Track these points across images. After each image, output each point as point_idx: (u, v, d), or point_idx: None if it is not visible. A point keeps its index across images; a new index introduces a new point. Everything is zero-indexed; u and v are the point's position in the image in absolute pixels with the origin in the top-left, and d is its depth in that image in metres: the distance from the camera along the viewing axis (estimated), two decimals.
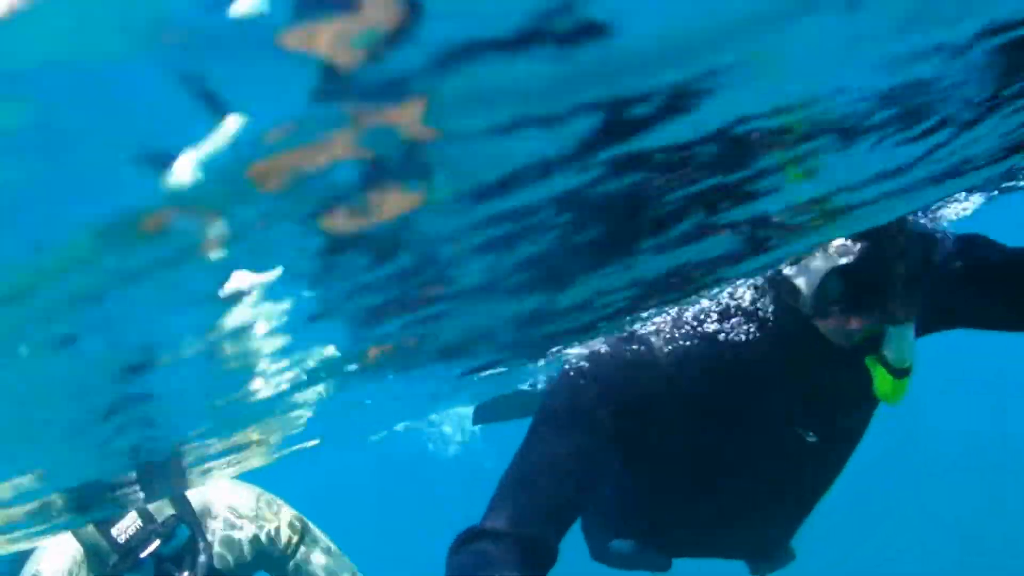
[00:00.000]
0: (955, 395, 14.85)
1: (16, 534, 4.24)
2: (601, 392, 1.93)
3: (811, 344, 1.84)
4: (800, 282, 1.78)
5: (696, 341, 1.96)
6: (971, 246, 2.09)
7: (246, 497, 3.78)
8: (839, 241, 1.75)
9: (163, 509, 3.29)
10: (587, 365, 1.97)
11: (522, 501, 1.82)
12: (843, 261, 1.73)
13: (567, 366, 1.99)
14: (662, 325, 2.02)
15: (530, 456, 1.89)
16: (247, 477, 4.38)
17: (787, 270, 1.84)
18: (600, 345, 2.03)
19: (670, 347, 1.98)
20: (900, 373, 1.77)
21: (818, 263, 1.75)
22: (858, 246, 1.72)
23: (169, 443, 3.05)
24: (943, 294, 2.04)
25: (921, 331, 2.03)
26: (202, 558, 3.30)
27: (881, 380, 1.77)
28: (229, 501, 3.71)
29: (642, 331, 2.02)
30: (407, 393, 3.27)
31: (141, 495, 3.37)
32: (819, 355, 1.86)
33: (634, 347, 1.99)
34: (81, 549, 3.34)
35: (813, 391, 1.96)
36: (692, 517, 2.30)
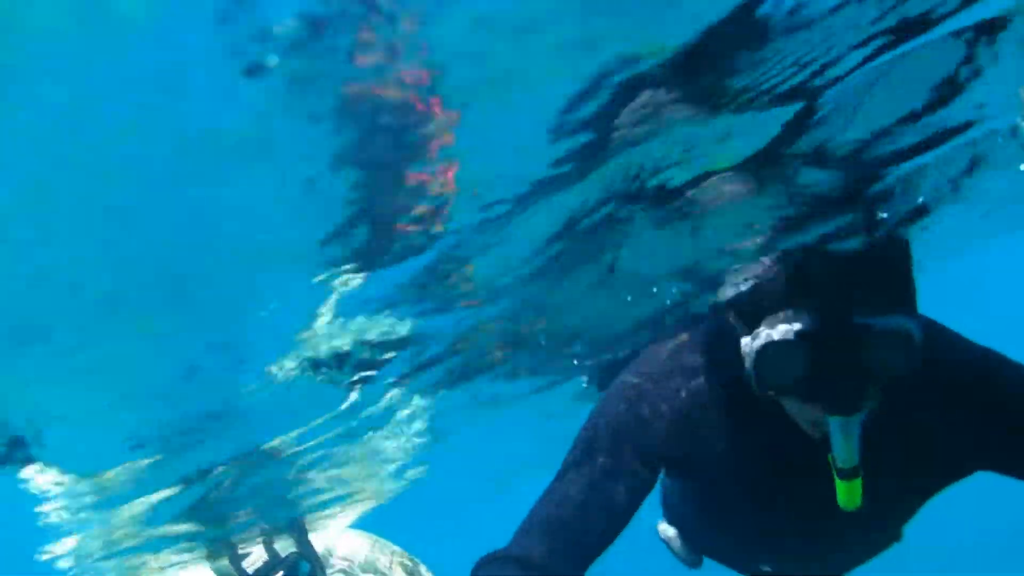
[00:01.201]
0: None
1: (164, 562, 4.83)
2: (644, 416, 1.84)
3: (776, 421, 1.68)
4: (744, 344, 1.59)
5: (723, 381, 1.81)
6: (987, 372, 1.75)
7: (360, 544, 4.14)
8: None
9: (288, 548, 3.71)
10: (630, 389, 1.88)
11: (557, 536, 1.76)
12: (791, 331, 1.51)
13: (608, 391, 1.93)
14: (695, 359, 1.89)
15: (569, 482, 1.82)
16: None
17: (733, 318, 1.66)
18: (641, 369, 1.93)
19: (702, 382, 1.85)
20: (845, 474, 1.57)
21: (763, 328, 1.55)
22: (815, 314, 1.51)
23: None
24: (959, 430, 1.74)
25: (947, 476, 1.86)
26: None
27: (837, 482, 1.58)
28: (345, 548, 4.08)
29: (684, 362, 1.89)
30: None
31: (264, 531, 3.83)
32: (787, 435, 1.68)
33: (674, 377, 1.87)
34: None
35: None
36: (725, 532, 2.20)
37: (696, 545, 2.59)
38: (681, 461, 1.88)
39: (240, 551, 3.70)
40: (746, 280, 1.74)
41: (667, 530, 2.73)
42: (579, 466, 1.82)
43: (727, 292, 1.80)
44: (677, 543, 2.72)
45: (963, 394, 1.73)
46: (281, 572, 3.59)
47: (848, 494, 1.56)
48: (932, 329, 1.74)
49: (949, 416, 1.73)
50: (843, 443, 1.53)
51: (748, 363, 1.56)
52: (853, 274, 1.55)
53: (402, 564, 4.17)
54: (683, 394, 1.83)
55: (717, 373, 1.82)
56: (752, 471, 1.85)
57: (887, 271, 1.58)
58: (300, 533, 3.97)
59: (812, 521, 1.84)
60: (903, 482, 1.84)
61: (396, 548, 4.22)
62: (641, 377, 1.88)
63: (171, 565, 5.42)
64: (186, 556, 5.15)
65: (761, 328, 1.55)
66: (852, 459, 1.54)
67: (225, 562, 3.67)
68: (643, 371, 1.90)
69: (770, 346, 1.52)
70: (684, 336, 1.94)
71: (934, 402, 1.73)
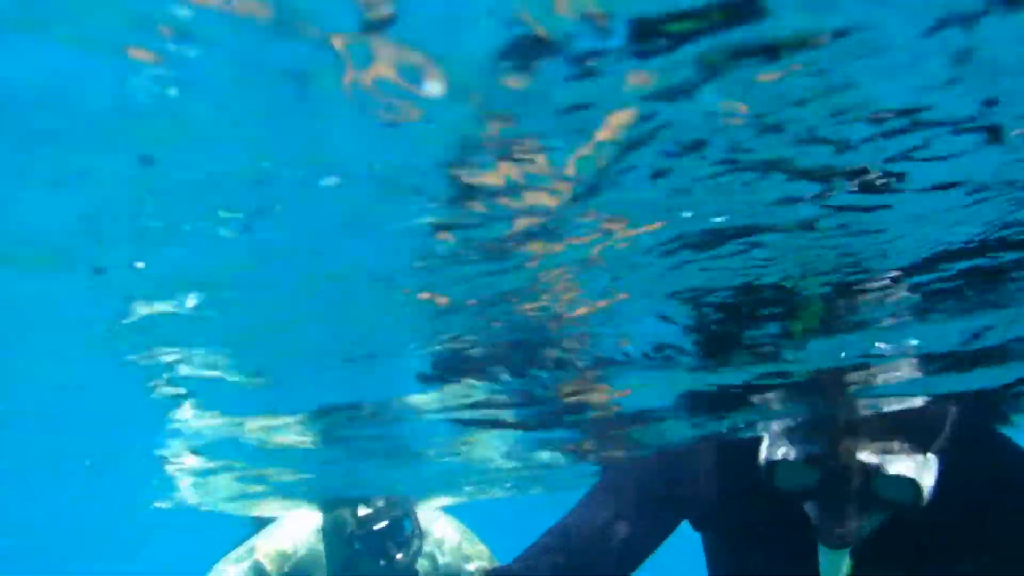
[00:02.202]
0: None
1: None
2: (673, 467, 1.92)
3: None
4: (762, 451, 1.73)
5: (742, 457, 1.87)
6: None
7: (452, 531, 4.64)
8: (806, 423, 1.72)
9: (397, 508, 4.27)
10: (661, 450, 1.97)
11: (566, 561, 1.78)
12: (793, 455, 1.66)
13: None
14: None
15: (590, 511, 1.86)
16: None
17: (770, 428, 1.77)
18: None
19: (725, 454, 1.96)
20: None
21: (780, 444, 1.69)
22: (827, 443, 1.64)
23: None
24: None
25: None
26: (415, 546, 4.20)
27: None
28: (439, 531, 4.59)
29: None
30: None
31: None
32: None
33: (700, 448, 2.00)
34: (321, 521, 4.37)
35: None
36: None
37: None
38: (702, 515, 1.96)
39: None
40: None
41: None
42: (603, 498, 1.87)
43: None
44: None
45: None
46: (386, 522, 4.15)
47: None
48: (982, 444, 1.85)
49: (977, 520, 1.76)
50: (828, 567, 1.65)
51: (761, 469, 1.71)
52: (880, 420, 1.69)
53: (480, 557, 4.62)
54: (707, 457, 1.95)
55: (737, 452, 1.91)
56: (759, 536, 1.92)
57: (916, 419, 1.70)
58: (407, 499, 4.54)
59: None
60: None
61: (480, 545, 4.69)
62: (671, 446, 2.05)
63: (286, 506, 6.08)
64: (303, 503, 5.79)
65: (779, 442, 1.69)
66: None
67: (343, 509, 4.26)
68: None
69: (778, 465, 1.67)
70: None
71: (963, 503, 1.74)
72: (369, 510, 4.20)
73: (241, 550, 4.30)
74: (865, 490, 1.60)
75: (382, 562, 4.18)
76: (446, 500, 5.46)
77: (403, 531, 4.24)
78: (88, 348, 2.33)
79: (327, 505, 4.50)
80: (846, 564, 1.64)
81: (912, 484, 1.59)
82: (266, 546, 4.27)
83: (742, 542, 1.98)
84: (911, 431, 1.66)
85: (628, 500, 1.86)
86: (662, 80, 1.08)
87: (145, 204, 1.47)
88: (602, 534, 1.81)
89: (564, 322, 1.98)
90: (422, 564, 4.44)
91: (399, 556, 4.17)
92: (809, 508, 1.68)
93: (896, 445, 1.62)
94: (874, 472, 1.59)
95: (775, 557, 1.91)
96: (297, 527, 4.39)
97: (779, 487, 1.68)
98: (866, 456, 1.60)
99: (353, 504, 4.23)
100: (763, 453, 1.70)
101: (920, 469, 1.60)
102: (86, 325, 2.12)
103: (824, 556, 1.64)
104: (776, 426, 1.79)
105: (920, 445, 1.63)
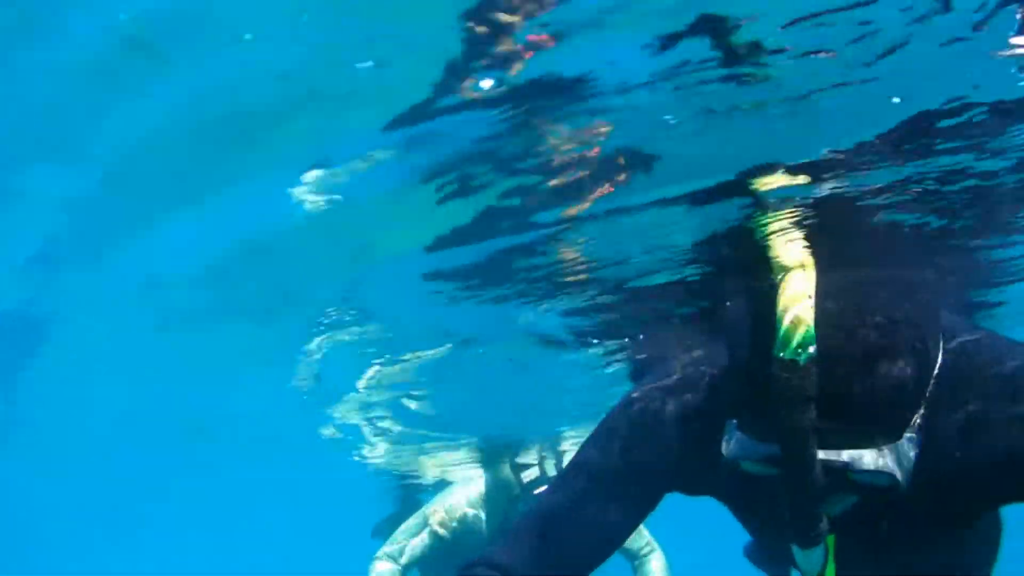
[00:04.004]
0: None
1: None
2: (651, 437, 1.78)
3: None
4: (724, 440, 1.56)
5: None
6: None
7: None
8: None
9: (552, 469, 4.77)
10: (637, 408, 1.82)
11: (546, 547, 1.73)
12: (757, 454, 1.50)
13: (617, 409, 1.87)
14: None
15: (567, 492, 1.78)
16: None
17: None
18: (651, 386, 1.86)
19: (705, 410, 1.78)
20: None
21: (734, 435, 1.54)
22: (787, 440, 1.44)
23: None
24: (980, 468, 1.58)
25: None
26: None
27: None
28: None
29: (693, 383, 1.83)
30: None
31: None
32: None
33: (684, 395, 1.81)
34: (487, 487, 4.89)
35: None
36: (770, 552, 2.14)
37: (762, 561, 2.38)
38: (685, 486, 1.85)
39: (519, 462, 4.85)
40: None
41: (748, 547, 2.55)
42: (578, 479, 1.79)
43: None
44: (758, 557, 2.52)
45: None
46: (545, 487, 4.57)
47: None
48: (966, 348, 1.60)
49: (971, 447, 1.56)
50: (803, 560, 1.58)
51: (724, 459, 1.55)
52: (844, 409, 1.43)
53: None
54: (683, 423, 1.78)
55: (710, 424, 1.71)
56: (750, 505, 1.85)
57: (877, 399, 1.43)
58: (558, 456, 4.98)
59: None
60: (910, 541, 1.76)
61: None
62: (650, 399, 1.82)
63: (453, 464, 6.69)
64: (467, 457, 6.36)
65: (739, 434, 1.52)
66: (814, 571, 1.59)
67: (506, 469, 4.79)
68: (654, 389, 1.83)
69: (741, 460, 1.52)
70: (698, 353, 1.89)
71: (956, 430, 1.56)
72: (532, 473, 4.73)
73: (417, 518, 4.87)
74: (838, 481, 1.45)
75: None
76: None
77: None
78: None
79: (490, 462, 5.01)
80: (823, 552, 1.56)
81: (886, 476, 1.43)
82: (439, 512, 4.80)
83: (739, 509, 1.92)
84: (883, 408, 1.44)
85: (601, 480, 1.76)
86: None
87: None
88: (577, 523, 1.74)
89: None
90: None
91: None
92: (778, 497, 1.54)
93: (865, 430, 1.44)
94: (841, 468, 1.44)
95: (769, 526, 1.84)
96: (466, 491, 4.93)
97: (741, 472, 1.56)
98: (827, 453, 1.43)
99: (515, 467, 4.80)
100: (723, 444, 1.56)
101: (896, 456, 1.44)
102: None
103: (798, 554, 1.56)
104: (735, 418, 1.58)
105: (896, 424, 1.45)
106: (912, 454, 1.45)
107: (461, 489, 4.98)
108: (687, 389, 1.80)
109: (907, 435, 1.45)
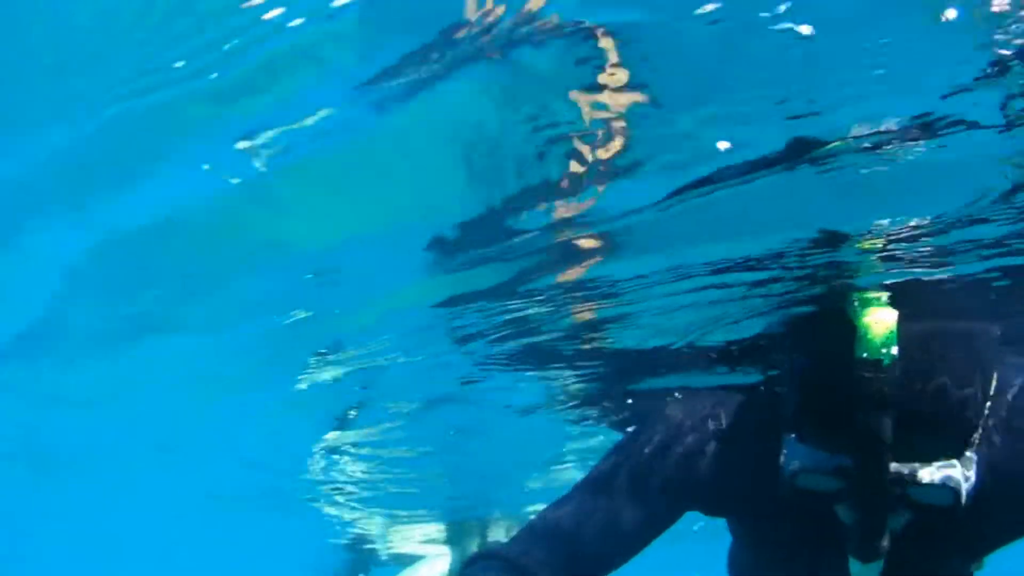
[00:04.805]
0: None
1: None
2: (678, 452, 1.77)
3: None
4: (783, 454, 1.56)
5: (759, 450, 1.72)
6: None
7: None
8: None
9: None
10: (669, 424, 1.82)
11: (558, 547, 1.73)
12: (829, 466, 1.49)
13: (646, 422, 1.87)
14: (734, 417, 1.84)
15: (587, 497, 1.77)
16: None
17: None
18: (682, 407, 1.87)
19: (738, 433, 1.81)
20: None
21: (800, 452, 1.52)
22: (858, 453, 1.46)
23: None
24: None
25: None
26: None
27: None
28: None
29: (723, 411, 1.84)
30: None
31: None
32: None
33: (713, 422, 1.82)
34: (452, 563, 4.73)
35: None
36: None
37: None
38: (709, 504, 1.85)
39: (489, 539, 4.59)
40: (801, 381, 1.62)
41: None
42: (601, 485, 1.78)
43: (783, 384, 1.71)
44: None
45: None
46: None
47: None
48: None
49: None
50: (860, 574, 1.56)
51: (781, 473, 1.55)
52: (910, 418, 1.44)
53: None
54: (718, 441, 1.78)
55: (753, 444, 1.74)
56: (777, 527, 1.83)
57: (944, 414, 1.47)
58: None
59: None
60: (941, 565, 1.81)
61: None
62: (682, 414, 1.82)
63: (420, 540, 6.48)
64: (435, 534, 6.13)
65: (801, 446, 1.52)
66: None
67: (474, 545, 4.50)
68: (684, 409, 1.84)
69: (804, 474, 1.51)
70: (725, 392, 1.90)
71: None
72: None
73: None
74: (899, 496, 1.47)
75: None
76: None
77: None
78: None
79: (457, 539, 4.83)
80: (880, 567, 1.54)
81: (951, 491, 1.46)
82: None
83: (762, 536, 1.91)
84: (950, 423, 1.46)
85: (622, 489, 1.76)
86: None
87: None
88: (592, 528, 1.73)
89: None
90: None
91: None
92: (839, 510, 1.56)
93: (933, 444, 1.46)
94: (909, 481, 1.45)
95: (799, 555, 1.84)
96: (433, 566, 4.83)
97: (798, 487, 1.55)
98: (898, 465, 1.44)
99: (483, 543, 4.61)
100: (782, 458, 1.56)
101: (961, 471, 1.46)
102: None
103: (855, 568, 1.54)
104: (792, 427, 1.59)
105: (960, 439, 1.48)
106: (972, 472, 1.48)
107: (428, 567, 4.90)
108: (720, 409, 1.82)
109: (967, 453, 1.49)
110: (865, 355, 1.43)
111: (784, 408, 1.62)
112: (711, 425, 1.81)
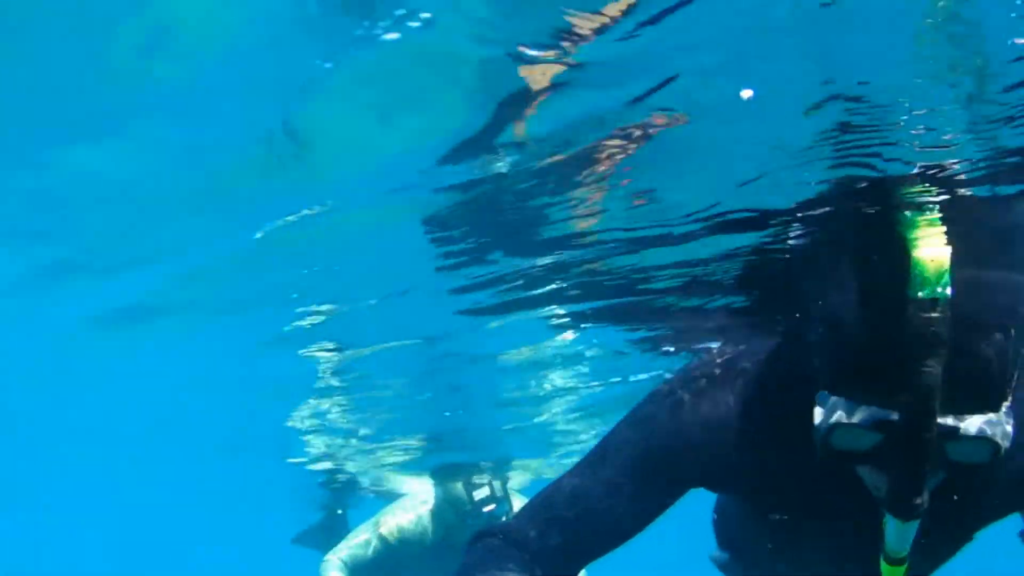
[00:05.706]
0: None
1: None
2: (683, 430, 1.71)
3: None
4: (817, 411, 1.48)
5: (783, 419, 1.65)
6: None
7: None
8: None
9: (501, 490, 4.87)
10: (672, 399, 1.76)
11: (558, 527, 1.72)
12: (869, 418, 1.42)
13: (650, 396, 1.82)
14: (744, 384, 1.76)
15: (589, 476, 1.74)
16: None
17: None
18: (688, 377, 1.81)
19: (757, 407, 1.72)
20: (891, 560, 1.53)
21: (840, 404, 1.44)
22: (901, 406, 1.39)
23: None
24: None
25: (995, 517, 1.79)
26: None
27: (882, 564, 1.56)
28: (519, 506, 4.96)
29: (740, 379, 1.77)
30: None
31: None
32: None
33: (725, 392, 1.74)
34: (436, 501, 4.94)
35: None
36: (774, 553, 2.07)
37: (746, 563, 2.39)
38: (719, 480, 1.81)
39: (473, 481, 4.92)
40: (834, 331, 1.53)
41: (719, 556, 2.58)
42: (604, 464, 1.75)
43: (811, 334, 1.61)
44: (729, 566, 2.55)
45: None
46: (494, 505, 4.78)
47: (891, 574, 1.55)
48: None
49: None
50: (896, 537, 1.49)
51: (816, 432, 1.47)
52: (953, 367, 1.37)
53: None
54: (732, 414, 1.72)
55: (778, 407, 1.68)
56: (797, 501, 1.78)
57: (987, 363, 1.40)
58: (504, 481, 5.14)
59: (853, 561, 1.78)
60: (951, 535, 1.80)
61: None
62: (686, 388, 1.77)
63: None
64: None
65: (838, 400, 1.44)
66: (902, 551, 1.52)
67: (459, 485, 4.86)
68: (690, 379, 1.78)
69: (843, 428, 1.43)
70: (742, 348, 1.84)
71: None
72: (483, 492, 4.80)
73: (367, 527, 5.01)
74: (937, 452, 1.41)
75: None
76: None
77: (503, 511, 4.83)
78: None
79: (442, 478, 5.12)
80: (916, 528, 1.48)
81: (992, 444, 1.40)
82: (389, 522, 4.97)
83: (777, 508, 1.84)
84: (988, 376, 1.40)
85: (624, 468, 1.72)
86: None
87: None
88: (594, 509, 1.71)
89: None
90: None
91: None
92: (865, 473, 1.52)
93: (972, 397, 1.40)
94: (949, 435, 1.39)
95: (821, 526, 1.79)
96: (416, 502, 5.06)
97: (833, 447, 1.47)
98: (942, 418, 1.38)
99: (468, 484, 4.83)
100: (816, 415, 1.48)
101: (1000, 425, 1.41)
102: None
103: (893, 526, 1.48)
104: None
105: (998, 392, 1.42)
106: (1010, 427, 1.42)
107: (411, 500, 5.12)
108: (737, 376, 1.75)
109: (1005, 406, 1.42)
110: (920, 294, 1.33)
111: (817, 358, 1.53)
112: (728, 396, 1.73)
